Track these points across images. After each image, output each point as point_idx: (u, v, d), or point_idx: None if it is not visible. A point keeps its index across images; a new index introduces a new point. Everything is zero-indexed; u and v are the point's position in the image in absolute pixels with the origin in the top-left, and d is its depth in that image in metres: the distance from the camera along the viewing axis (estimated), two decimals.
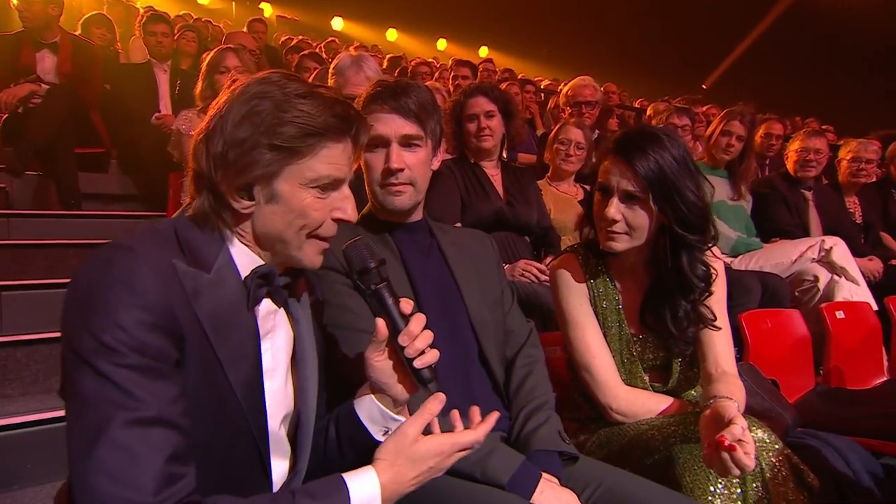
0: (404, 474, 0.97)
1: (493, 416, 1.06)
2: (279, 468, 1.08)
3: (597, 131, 4.18)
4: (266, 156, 0.95)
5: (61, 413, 1.93)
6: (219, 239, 1.00)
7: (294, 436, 1.11)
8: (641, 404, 1.52)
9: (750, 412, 1.52)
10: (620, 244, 1.50)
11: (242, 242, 1.02)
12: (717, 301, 1.56)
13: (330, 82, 2.45)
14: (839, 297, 2.98)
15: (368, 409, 1.09)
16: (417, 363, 1.03)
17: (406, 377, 1.08)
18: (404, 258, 1.46)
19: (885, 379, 2.77)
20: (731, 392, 1.37)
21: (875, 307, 2.93)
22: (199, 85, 2.91)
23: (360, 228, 1.43)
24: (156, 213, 3.68)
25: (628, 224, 1.48)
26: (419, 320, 1.04)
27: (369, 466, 0.97)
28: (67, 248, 3.00)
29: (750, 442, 1.11)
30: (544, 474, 1.27)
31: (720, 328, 1.55)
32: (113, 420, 0.81)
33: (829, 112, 8.83)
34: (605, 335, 1.58)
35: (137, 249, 0.89)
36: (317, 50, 5.73)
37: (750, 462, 1.08)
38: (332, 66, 2.50)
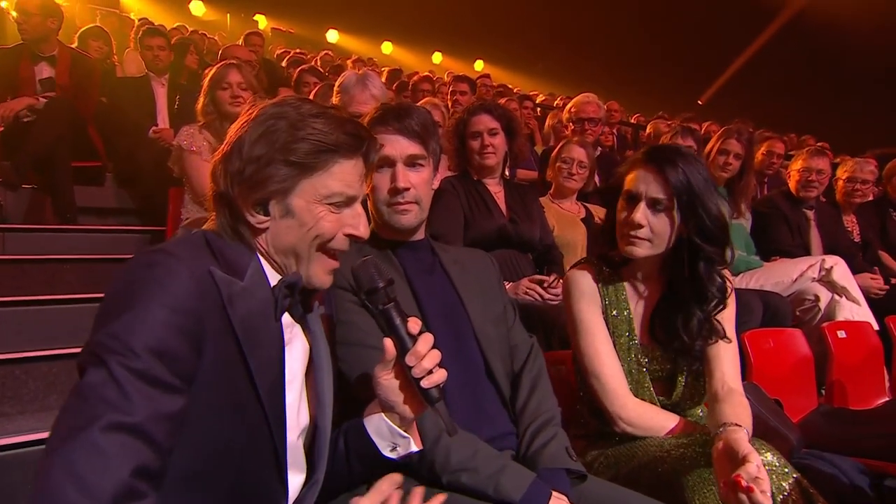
0: None
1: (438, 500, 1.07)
2: (295, 480, 1.12)
3: (599, 149, 4.25)
4: (281, 171, 1.02)
5: None
6: (248, 250, 1.06)
7: (310, 448, 1.14)
8: (650, 418, 1.56)
9: (755, 433, 1.56)
10: (641, 249, 1.56)
11: (264, 256, 1.08)
12: (728, 319, 1.63)
13: (334, 100, 2.50)
14: (840, 317, 3.03)
15: (377, 424, 1.14)
16: (425, 383, 1.06)
17: (413, 396, 1.11)
18: (409, 276, 1.51)
19: (887, 399, 2.81)
20: (739, 416, 1.41)
21: (876, 327, 2.98)
22: (201, 100, 2.95)
23: (366, 247, 1.47)
24: (152, 227, 3.70)
25: (652, 230, 1.55)
26: (427, 340, 1.07)
27: None
28: (64, 263, 3.01)
29: (766, 480, 1.15)
30: (554, 492, 1.30)
31: (730, 341, 1.61)
32: (99, 420, 0.82)
33: (825, 129, 8.96)
34: (614, 344, 1.63)
35: (179, 254, 0.94)
36: (313, 63, 5.79)
37: (767, 501, 1.12)
38: (336, 83, 2.56)
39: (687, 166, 1.53)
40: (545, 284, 2.53)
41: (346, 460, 1.17)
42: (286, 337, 1.08)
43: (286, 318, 1.09)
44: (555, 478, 1.34)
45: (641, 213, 1.54)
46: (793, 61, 12.22)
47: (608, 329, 1.64)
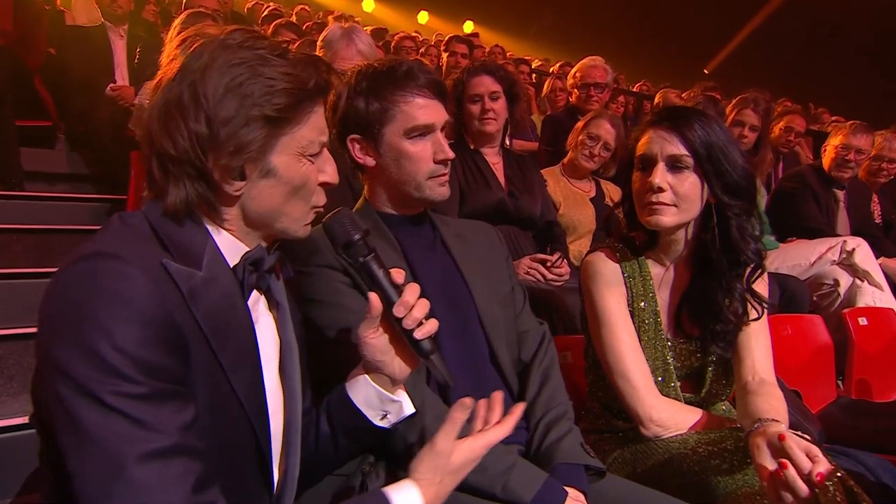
0: (446, 487, 1.01)
1: (519, 408, 1.10)
2: (277, 474, 1.08)
3: None
4: (261, 131, 0.95)
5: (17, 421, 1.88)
6: (202, 230, 0.98)
7: (282, 433, 1.10)
8: (682, 419, 1.53)
9: None
10: (667, 217, 1.50)
11: (226, 229, 1.01)
12: (762, 292, 1.59)
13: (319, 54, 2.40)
14: (861, 303, 3.04)
15: (364, 392, 1.12)
16: (417, 334, 1.05)
17: (404, 352, 1.10)
18: (406, 253, 1.46)
19: None
20: (776, 409, 1.38)
21: None
22: (167, 53, 2.82)
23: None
24: (110, 196, 3.59)
25: (675, 193, 1.49)
26: (413, 289, 1.06)
27: (410, 484, 0.98)
28: (10, 234, 2.90)
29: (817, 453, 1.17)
30: (570, 490, 1.28)
31: (767, 306, 1.58)
32: (127, 457, 0.79)
33: (838, 101, 9.01)
34: (639, 339, 1.59)
35: (123, 253, 0.86)
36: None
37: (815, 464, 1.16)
38: (320, 38, 2.46)
39: (703, 122, 1.49)
40: (548, 264, 2.49)
41: (331, 440, 1.15)
42: (256, 315, 1.05)
43: (254, 293, 1.05)
44: (572, 474, 1.33)
45: (661, 175, 1.49)
46: (804, 29, 12.21)
47: (634, 322, 1.59)
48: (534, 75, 7.20)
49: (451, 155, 1.45)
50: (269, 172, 0.99)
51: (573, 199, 3.06)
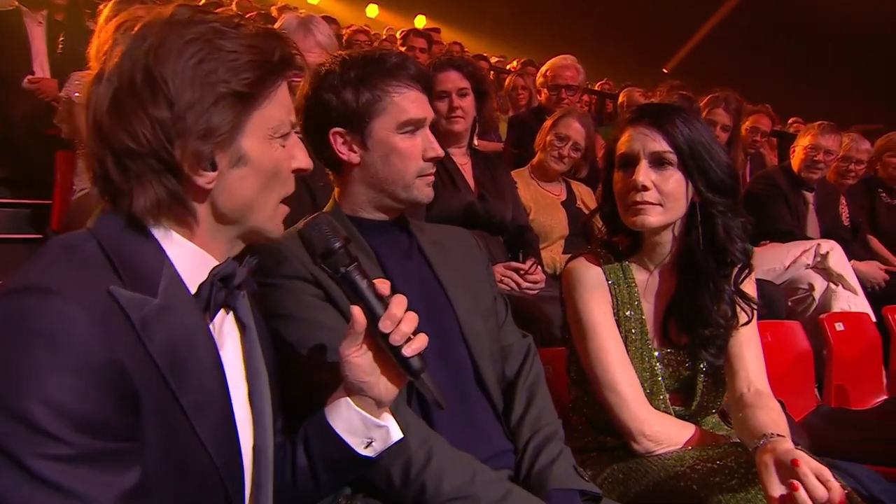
0: None
1: None
2: None
3: None
4: (231, 110, 0.91)
5: None
6: (154, 244, 0.91)
7: (252, 473, 1.04)
8: (675, 433, 1.52)
9: None
10: (653, 217, 1.51)
11: (195, 235, 0.95)
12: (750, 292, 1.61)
13: None
14: (836, 308, 3.14)
15: (346, 417, 1.07)
16: (406, 351, 1.01)
17: (390, 371, 1.06)
18: (383, 262, 1.42)
19: (886, 398, 2.92)
20: (778, 423, 1.39)
21: (874, 318, 3.10)
22: (97, 42, 2.69)
23: None
24: (31, 200, 3.41)
25: (660, 191, 1.50)
26: (401, 302, 1.03)
27: None
28: None
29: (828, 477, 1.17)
30: None
31: (756, 307, 1.60)
32: None
33: (802, 102, 9.37)
34: (626, 349, 1.59)
35: (59, 287, 0.78)
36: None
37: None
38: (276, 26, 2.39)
39: (684, 118, 1.51)
40: (522, 272, 2.47)
41: (311, 473, 1.10)
42: (222, 338, 0.99)
43: (220, 313, 0.99)
44: (568, 500, 1.31)
45: (644, 173, 1.49)
46: (766, 27, 12.66)
47: (620, 332, 1.59)
48: (492, 73, 7.23)
49: (442, 153, 1.44)
50: (240, 160, 0.94)
51: (544, 204, 3.06)
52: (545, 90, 3.93)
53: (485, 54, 9.01)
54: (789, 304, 3.28)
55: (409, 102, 1.39)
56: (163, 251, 0.91)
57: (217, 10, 1.01)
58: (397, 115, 1.38)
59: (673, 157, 1.50)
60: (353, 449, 1.07)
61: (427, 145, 1.42)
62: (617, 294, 1.61)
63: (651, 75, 10.90)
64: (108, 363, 0.78)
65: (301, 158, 1.03)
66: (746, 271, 1.58)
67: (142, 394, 0.82)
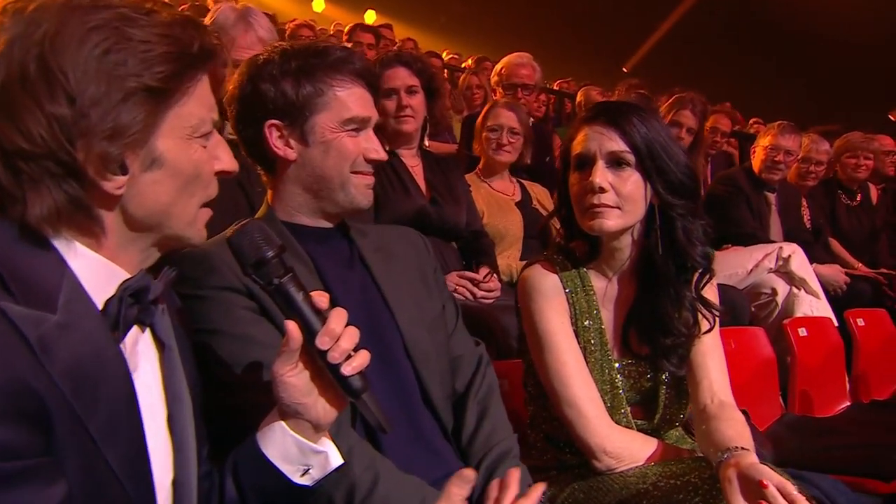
0: None
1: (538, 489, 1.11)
2: None
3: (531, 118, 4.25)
4: (143, 107, 0.86)
5: None
6: (56, 258, 0.86)
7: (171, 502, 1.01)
8: (638, 448, 1.53)
9: None
10: (611, 221, 1.51)
11: (96, 250, 0.90)
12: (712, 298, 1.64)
13: None
14: (799, 313, 3.22)
15: (281, 443, 1.03)
16: (346, 369, 0.99)
17: (328, 391, 1.04)
18: (321, 272, 1.40)
19: (849, 404, 3.01)
20: (741, 434, 1.41)
21: (835, 323, 3.19)
22: None
23: None
24: None
25: (618, 193, 1.50)
26: (340, 315, 1.00)
27: None
28: None
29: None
30: None
31: (719, 314, 1.62)
32: None
33: (759, 102, 9.65)
34: (585, 361, 1.59)
35: None
36: None
37: None
38: (207, 20, 2.32)
39: (642, 116, 1.53)
40: (476, 281, 2.46)
41: None
42: (136, 358, 0.95)
43: (134, 331, 0.95)
44: None
45: (601, 174, 1.50)
46: (726, 25, 13.02)
47: (579, 343, 1.59)
48: (445, 71, 7.24)
49: (385, 156, 1.43)
50: (154, 162, 0.90)
51: (497, 205, 3.07)
52: (500, 89, 3.95)
53: (438, 52, 9.04)
54: (752, 309, 3.35)
55: (354, 99, 1.38)
56: (64, 263, 0.86)
57: None
58: (340, 112, 1.37)
59: (630, 158, 1.51)
60: (288, 478, 1.03)
61: (370, 146, 1.41)
62: (575, 303, 1.61)
63: (610, 74, 11.08)
64: (9, 382, 0.74)
65: (225, 160, 0.99)
66: (707, 276, 1.59)
67: (52, 412, 0.78)
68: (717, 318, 1.61)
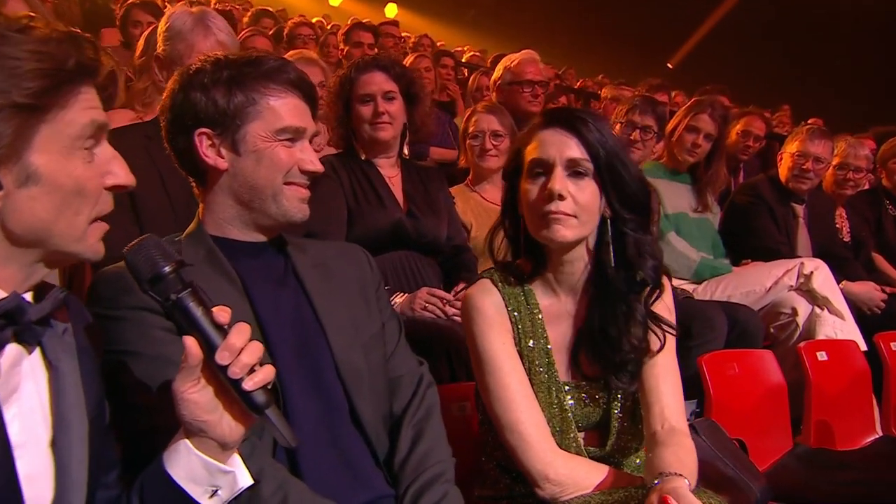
0: None
1: None
2: None
3: None
4: (11, 122, 0.92)
5: None
6: None
7: None
8: (584, 476, 1.55)
9: (708, 482, 1.60)
10: (568, 230, 1.56)
11: None
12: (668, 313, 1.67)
13: (160, 50, 2.36)
14: (821, 335, 3.17)
15: (186, 463, 1.07)
16: (247, 384, 1.04)
17: (234, 408, 1.08)
18: (248, 289, 1.46)
19: (877, 437, 2.96)
20: (681, 461, 1.44)
21: (863, 346, 3.14)
22: None
23: (189, 250, 1.42)
24: None
25: (576, 202, 1.56)
26: (241, 330, 1.05)
27: None
28: None
29: None
30: None
31: (675, 333, 1.66)
32: None
33: (818, 101, 9.49)
34: (531, 384, 1.62)
35: None
36: None
37: None
38: (161, 26, 2.41)
39: (599, 124, 1.60)
40: (446, 300, 2.49)
41: None
42: (14, 383, 0.99)
43: (13, 354, 0.99)
44: None
45: (560, 181, 1.55)
46: (780, 19, 12.85)
47: (524, 365, 1.63)
48: (465, 70, 7.31)
49: (321, 168, 1.49)
50: (29, 178, 0.95)
51: (487, 216, 3.08)
52: (500, 89, 3.98)
53: (458, 49, 9.13)
54: (771, 330, 3.33)
55: (287, 109, 1.46)
56: None
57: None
58: (273, 121, 1.44)
59: (589, 166, 1.57)
60: (194, 499, 1.07)
61: (305, 156, 1.48)
62: (518, 322, 1.65)
63: (654, 72, 11.04)
64: None
65: (120, 174, 1.05)
66: (658, 292, 1.64)
67: None
68: (666, 336, 1.64)
